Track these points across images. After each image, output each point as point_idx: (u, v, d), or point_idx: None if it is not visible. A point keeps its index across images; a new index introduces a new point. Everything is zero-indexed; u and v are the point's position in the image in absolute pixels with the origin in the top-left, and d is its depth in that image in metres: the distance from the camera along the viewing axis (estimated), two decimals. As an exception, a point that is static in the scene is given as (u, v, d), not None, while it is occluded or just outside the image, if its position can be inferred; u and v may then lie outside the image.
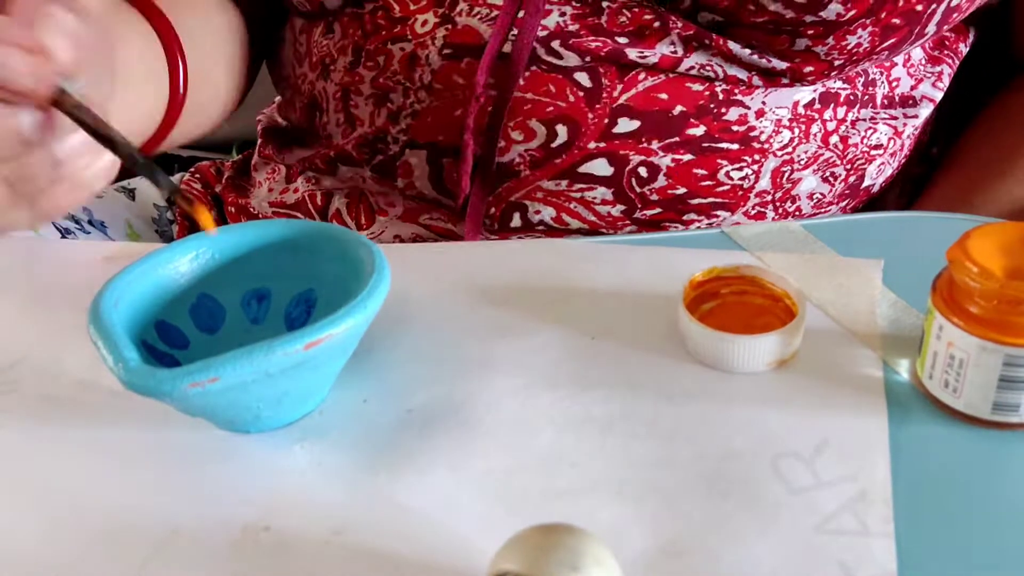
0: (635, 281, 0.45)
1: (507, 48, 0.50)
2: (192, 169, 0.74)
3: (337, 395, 0.40)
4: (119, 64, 0.44)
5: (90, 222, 0.62)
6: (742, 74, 0.50)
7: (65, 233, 0.60)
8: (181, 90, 0.53)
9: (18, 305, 0.46)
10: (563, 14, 0.50)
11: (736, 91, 0.51)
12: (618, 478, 0.36)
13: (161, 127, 0.53)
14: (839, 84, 0.52)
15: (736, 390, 0.39)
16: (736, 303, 0.42)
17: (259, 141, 0.66)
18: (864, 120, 0.54)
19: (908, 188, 0.61)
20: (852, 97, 0.53)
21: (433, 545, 0.34)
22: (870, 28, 0.48)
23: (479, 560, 0.32)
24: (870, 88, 0.54)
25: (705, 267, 0.42)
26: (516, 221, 0.53)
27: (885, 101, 0.55)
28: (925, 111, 0.56)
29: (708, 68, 0.50)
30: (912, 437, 0.37)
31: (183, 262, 0.42)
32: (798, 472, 0.36)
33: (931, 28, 0.50)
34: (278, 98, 0.67)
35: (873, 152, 0.55)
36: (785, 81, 0.50)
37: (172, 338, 0.41)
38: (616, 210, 0.52)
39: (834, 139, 0.53)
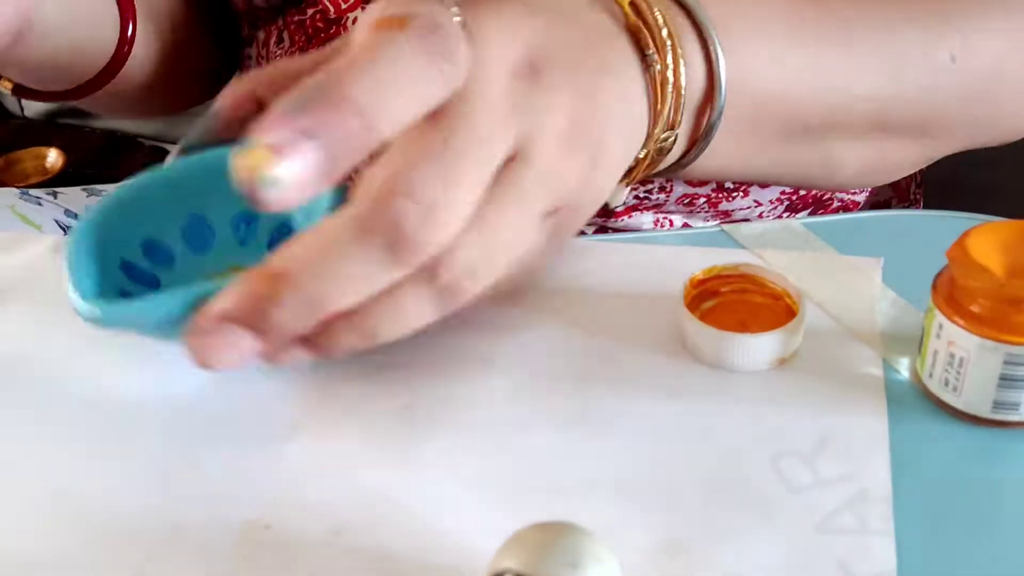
0: (635, 280, 0.45)
1: None
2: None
3: (337, 392, 0.40)
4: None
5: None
6: None
7: (66, 230, 0.60)
8: (125, 47, 0.53)
9: (18, 303, 0.46)
10: None
11: None
12: (618, 476, 0.36)
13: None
14: None
15: (736, 388, 0.39)
16: (736, 301, 0.42)
17: None
18: None
19: None
20: None
21: (433, 544, 0.34)
22: None
23: (479, 560, 0.32)
24: None
25: (705, 265, 0.42)
26: None
27: None
28: None
29: None
30: (912, 436, 0.37)
31: (177, 181, 0.41)
32: (798, 471, 0.36)
33: None
34: None
35: None
36: None
37: (158, 256, 0.41)
38: None
39: None
